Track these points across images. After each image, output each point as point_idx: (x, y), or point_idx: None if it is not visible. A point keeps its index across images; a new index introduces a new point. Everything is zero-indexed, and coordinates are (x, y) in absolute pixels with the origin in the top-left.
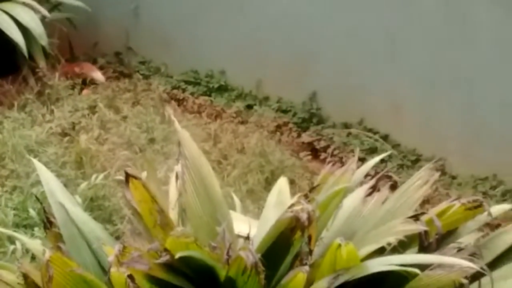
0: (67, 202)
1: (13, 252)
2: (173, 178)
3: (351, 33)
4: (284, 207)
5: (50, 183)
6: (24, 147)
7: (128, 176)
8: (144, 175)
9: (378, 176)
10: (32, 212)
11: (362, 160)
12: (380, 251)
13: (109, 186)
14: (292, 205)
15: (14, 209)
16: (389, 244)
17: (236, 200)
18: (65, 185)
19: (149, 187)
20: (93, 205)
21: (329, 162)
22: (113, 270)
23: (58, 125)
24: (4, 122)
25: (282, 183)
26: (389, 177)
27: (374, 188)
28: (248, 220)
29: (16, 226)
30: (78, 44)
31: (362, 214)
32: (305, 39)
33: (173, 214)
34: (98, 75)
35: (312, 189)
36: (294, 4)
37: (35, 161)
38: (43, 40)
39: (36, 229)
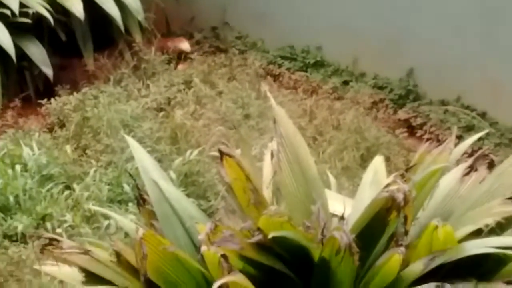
0: (160, 179)
1: (107, 227)
2: (268, 156)
3: (448, 9)
4: (380, 187)
5: (144, 160)
6: (119, 121)
7: (222, 154)
8: (238, 152)
9: (475, 155)
10: (127, 188)
11: (459, 138)
12: (477, 233)
13: (204, 162)
14: (388, 184)
15: (108, 184)
16: (486, 225)
17: (331, 179)
18: (160, 161)
19: (243, 165)
20: (187, 181)
21: (425, 140)
22: (203, 248)
23: (154, 100)
24: (99, 96)
25: (377, 161)
26: (487, 156)
27: (472, 168)
28: (343, 199)
29: (111, 201)
30: (174, 19)
31: (459, 194)
32: (402, 16)
33: (267, 193)
34: (185, 45)
35: (408, 168)
36: None
37: (128, 138)
38: (140, 15)
39: (130, 204)
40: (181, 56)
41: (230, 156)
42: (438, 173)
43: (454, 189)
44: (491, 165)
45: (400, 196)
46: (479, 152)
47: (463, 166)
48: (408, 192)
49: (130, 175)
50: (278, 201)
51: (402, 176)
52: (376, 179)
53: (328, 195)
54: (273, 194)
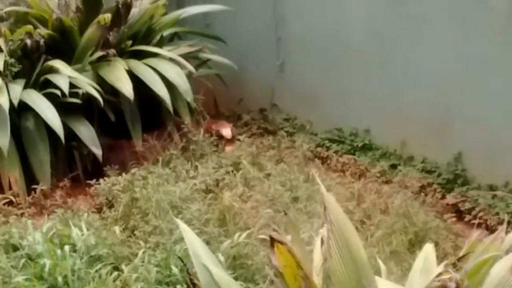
0: (210, 264)
1: None
2: (318, 242)
3: (496, 93)
4: (430, 275)
5: (194, 243)
6: (168, 203)
7: (273, 240)
8: (289, 238)
9: None
10: (175, 270)
11: (508, 223)
12: None
13: (252, 245)
14: (440, 273)
15: (156, 266)
16: None
17: (381, 265)
18: (208, 243)
19: (294, 252)
20: (235, 263)
21: (474, 225)
22: None
23: (202, 182)
24: (148, 177)
25: (428, 249)
26: None
27: None
28: (394, 287)
29: (159, 283)
30: (223, 100)
31: (510, 283)
32: (449, 99)
33: (317, 280)
34: (227, 132)
35: (461, 257)
36: (436, 64)
37: (179, 221)
38: (189, 96)
39: (178, 287)
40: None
41: (281, 243)
42: (490, 262)
43: (505, 278)
44: None
45: (452, 286)
46: None
47: None
48: (461, 281)
49: (180, 258)
50: None
51: (454, 264)
52: (426, 266)
53: (378, 282)
54: (323, 281)
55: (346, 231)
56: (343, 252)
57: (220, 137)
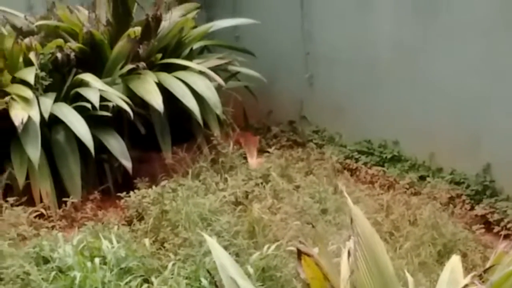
0: (238, 277)
1: None
2: (345, 255)
3: None
4: (457, 286)
5: (221, 257)
6: (197, 215)
7: (300, 252)
8: (316, 251)
9: None
10: (204, 282)
11: None
12: None
13: (281, 257)
14: (466, 285)
15: (186, 278)
16: None
17: (409, 277)
18: (237, 255)
19: (321, 264)
20: (265, 275)
21: (502, 236)
22: None
23: (232, 194)
24: (178, 190)
25: (455, 261)
26: None
27: None
28: None
29: None
30: (252, 113)
31: None
32: (479, 112)
33: None
34: (252, 161)
35: (487, 269)
36: (465, 76)
37: (206, 235)
38: (218, 109)
39: None
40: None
41: (308, 255)
42: None
43: None
44: None
45: None
46: None
47: None
48: None
49: (208, 271)
50: None
51: (480, 276)
52: (453, 278)
53: None
54: None
55: (373, 243)
56: (370, 264)
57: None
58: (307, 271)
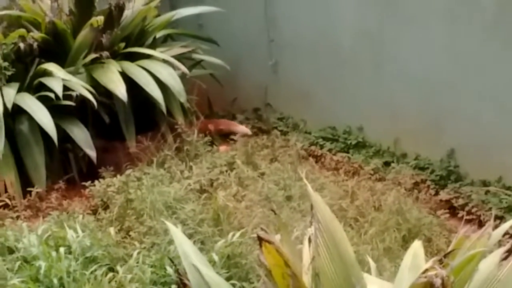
0: (201, 264)
1: None
2: (306, 241)
3: (488, 91)
4: (419, 271)
5: (184, 245)
6: (162, 203)
7: (261, 239)
8: (278, 238)
9: None
10: (170, 270)
11: (500, 218)
12: None
13: (246, 244)
14: (426, 270)
15: (151, 267)
16: None
17: (371, 262)
18: (203, 243)
19: (282, 251)
20: (230, 263)
21: (466, 221)
22: None
23: (196, 182)
24: (143, 178)
25: (416, 246)
26: None
27: (510, 252)
28: (382, 284)
29: (154, 283)
30: (217, 100)
31: (498, 278)
32: (443, 97)
33: (306, 278)
34: (242, 129)
35: (447, 254)
36: (428, 62)
37: (168, 223)
38: (182, 97)
39: (173, 287)
40: (225, 137)
41: (269, 242)
42: (476, 259)
43: (493, 274)
44: None
45: (438, 282)
46: None
47: (501, 250)
48: (446, 277)
49: (171, 259)
50: (317, 286)
51: (441, 261)
52: (415, 263)
53: (367, 280)
54: (312, 279)
55: (334, 229)
56: (330, 250)
57: (227, 134)
58: (268, 258)
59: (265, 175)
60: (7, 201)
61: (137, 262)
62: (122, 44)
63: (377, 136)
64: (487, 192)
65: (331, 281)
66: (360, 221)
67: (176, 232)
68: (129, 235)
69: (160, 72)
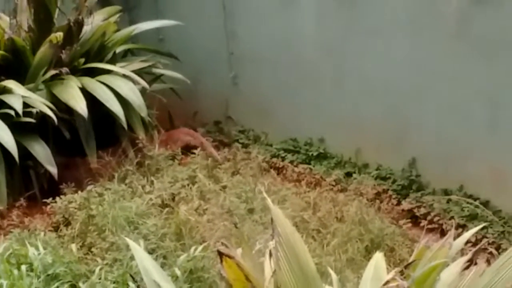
0: (161, 280)
1: None
2: (267, 255)
3: (450, 100)
4: (380, 283)
5: (144, 260)
6: (124, 219)
7: (222, 254)
8: (239, 252)
9: (474, 250)
10: (132, 286)
11: (462, 227)
12: None
13: (209, 258)
14: (388, 281)
15: (114, 282)
16: None
17: (333, 274)
18: (165, 257)
19: (243, 265)
20: (192, 277)
21: (428, 230)
22: None
23: (158, 196)
24: (104, 194)
25: (378, 257)
26: (486, 249)
27: (471, 262)
28: None
29: None
30: (178, 114)
31: None
32: (404, 108)
33: None
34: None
35: (408, 265)
36: (393, 75)
37: (128, 240)
38: (143, 112)
39: None
40: (186, 151)
41: (229, 256)
42: (438, 269)
43: (455, 283)
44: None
45: None
46: (478, 246)
47: (462, 260)
48: None
49: (131, 275)
50: None
51: (402, 272)
52: (377, 275)
53: None
54: None
55: (294, 242)
56: (291, 263)
57: (185, 148)
58: (229, 272)
59: (227, 188)
60: None
61: (100, 278)
62: (82, 60)
63: (339, 147)
64: (448, 200)
65: None
66: (322, 232)
67: (137, 248)
68: (91, 251)
69: (120, 87)
